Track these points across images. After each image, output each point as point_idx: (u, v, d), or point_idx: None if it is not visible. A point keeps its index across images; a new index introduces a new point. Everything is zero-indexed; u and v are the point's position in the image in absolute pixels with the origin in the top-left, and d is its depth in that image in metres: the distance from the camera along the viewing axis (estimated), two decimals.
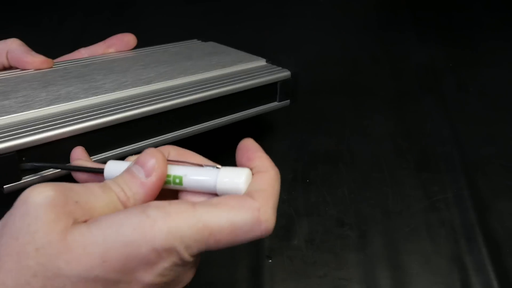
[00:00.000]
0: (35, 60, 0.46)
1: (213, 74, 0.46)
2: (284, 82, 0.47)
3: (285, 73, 0.47)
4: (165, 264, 0.26)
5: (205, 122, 0.44)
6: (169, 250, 0.26)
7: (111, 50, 0.50)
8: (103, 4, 0.75)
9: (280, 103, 0.48)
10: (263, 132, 0.54)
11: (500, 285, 0.42)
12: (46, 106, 0.38)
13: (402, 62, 0.64)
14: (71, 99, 0.39)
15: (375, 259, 0.44)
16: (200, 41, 0.55)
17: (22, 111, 0.37)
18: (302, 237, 0.45)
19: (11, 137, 0.34)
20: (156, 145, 0.34)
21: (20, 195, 0.27)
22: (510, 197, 0.49)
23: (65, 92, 0.40)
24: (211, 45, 0.54)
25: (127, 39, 0.50)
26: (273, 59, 0.50)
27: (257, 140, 0.30)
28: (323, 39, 0.68)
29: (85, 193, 0.27)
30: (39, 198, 0.26)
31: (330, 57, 0.65)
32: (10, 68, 0.47)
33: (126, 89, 0.42)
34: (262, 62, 0.50)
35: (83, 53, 0.49)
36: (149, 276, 0.26)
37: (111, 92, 0.41)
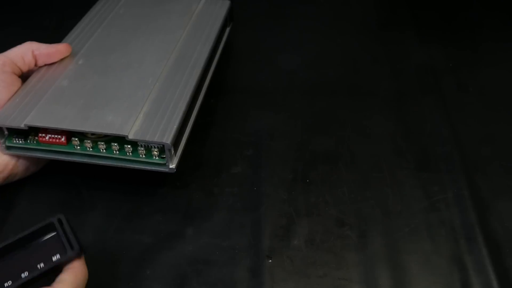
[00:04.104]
0: (61, 48, 0.48)
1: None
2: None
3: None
4: None
5: None
6: None
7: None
8: None
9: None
10: (263, 132, 0.54)
11: (500, 285, 0.42)
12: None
13: (402, 62, 0.64)
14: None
15: (375, 259, 0.44)
16: None
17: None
18: (302, 237, 0.45)
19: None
20: None
21: None
22: (510, 197, 0.49)
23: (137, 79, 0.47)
24: None
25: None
26: None
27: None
28: (322, 39, 0.68)
29: None
30: None
31: (329, 57, 0.65)
32: (33, 69, 0.47)
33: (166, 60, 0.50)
34: None
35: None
36: None
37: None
